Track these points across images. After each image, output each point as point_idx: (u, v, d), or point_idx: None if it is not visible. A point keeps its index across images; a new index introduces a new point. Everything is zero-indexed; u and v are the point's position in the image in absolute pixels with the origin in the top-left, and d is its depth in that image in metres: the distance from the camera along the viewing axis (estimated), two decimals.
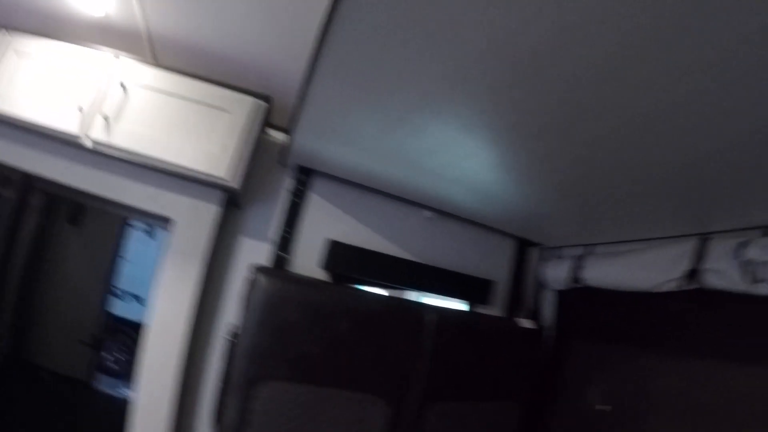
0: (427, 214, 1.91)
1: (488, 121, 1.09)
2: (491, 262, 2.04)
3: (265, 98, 1.56)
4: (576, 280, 1.82)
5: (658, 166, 1.11)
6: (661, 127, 0.94)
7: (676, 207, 1.35)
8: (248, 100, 1.54)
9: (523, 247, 2.12)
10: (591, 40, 0.72)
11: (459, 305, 2.00)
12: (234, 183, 1.51)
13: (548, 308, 2.05)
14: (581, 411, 1.75)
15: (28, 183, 1.52)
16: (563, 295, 2.01)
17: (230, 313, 1.62)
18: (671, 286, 1.45)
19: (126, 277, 2.05)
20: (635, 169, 1.16)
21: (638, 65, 0.76)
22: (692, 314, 1.49)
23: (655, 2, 0.62)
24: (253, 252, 1.69)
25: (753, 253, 1.26)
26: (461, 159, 1.31)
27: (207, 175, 1.49)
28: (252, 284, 1.45)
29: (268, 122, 1.68)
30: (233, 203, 1.66)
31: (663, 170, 1.12)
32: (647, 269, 1.53)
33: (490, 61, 0.84)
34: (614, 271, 1.65)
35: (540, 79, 0.87)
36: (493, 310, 2.02)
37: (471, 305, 2.02)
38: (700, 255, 1.40)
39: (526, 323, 1.85)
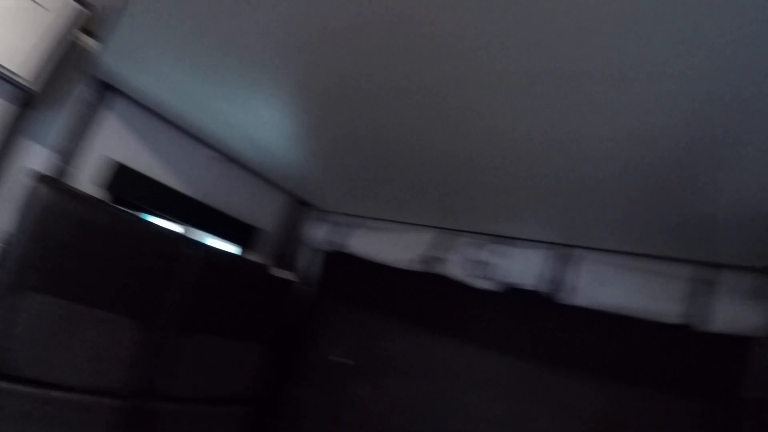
0: (211, 154, 1.97)
1: (269, 83, 1.19)
2: (265, 212, 2.19)
3: (87, 5, 1.49)
4: (340, 245, 2.03)
5: (412, 159, 1.30)
6: (418, 125, 1.10)
7: (426, 200, 1.57)
8: (68, 2, 1.46)
9: (298, 204, 2.30)
10: (363, 33, 0.82)
11: (227, 246, 2.12)
12: (33, 84, 1.43)
13: (310, 265, 2.25)
14: (327, 362, 1.98)
15: None
16: (328, 256, 2.21)
17: (3, 219, 1.53)
18: (405, 265, 1.71)
19: None
20: (395, 159, 1.34)
21: (408, 63, 0.86)
22: (429, 293, 1.77)
23: None
24: (36, 158, 1.60)
25: (482, 254, 1.55)
26: (245, 111, 1.40)
27: (6, 69, 1.39)
28: (30, 192, 1.39)
29: (85, 29, 1.60)
30: (27, 103, 1.56)
31: (416, 164, 1.31)
32: (393, 246, 1.77)
33: (272, 33, 0.93)
34: (372, 243, 1.88)
35: (315, 59, 0.97)
36: (259, 257, 2.17)
37: (240, 249, 2.16)
38: (443, 246, 1.67)
39: (283, 274, 2.01)
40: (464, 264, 1.57)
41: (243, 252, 2.15)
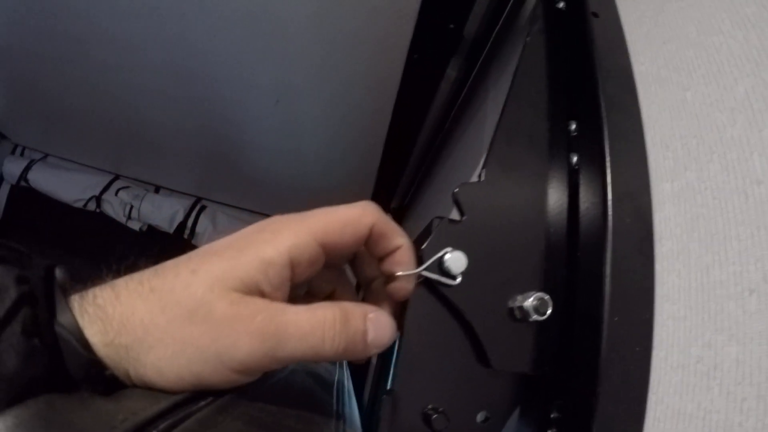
0: None
1: None
2: None
3: None
4: (25, 179, 1.92)
5: (81, 99, 1.34)
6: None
7: (99, 143, 1.69)
8: None
9: None
10: None
11: None
12: None
13: None
14: None
15: None
16: (14, 190, 2.04)
17: None
18: (80, 204, 1.80)
19: None
20: (70, 98, 1.35)
21: None
22: (95, 231, 1.87)
23: None
24: None
25: (130, 198, 1.75)
26: None
27: None
28: None
29: None
30: None
31: (86, 106, 1.36)
32: (74, 186, 1.82)
33: None
34: (51, 180, 1.85)
35: None
36: None
37: None
38: (105, 187, 1.81)
39: None
40: (115, 205, 1.75)
41: None
